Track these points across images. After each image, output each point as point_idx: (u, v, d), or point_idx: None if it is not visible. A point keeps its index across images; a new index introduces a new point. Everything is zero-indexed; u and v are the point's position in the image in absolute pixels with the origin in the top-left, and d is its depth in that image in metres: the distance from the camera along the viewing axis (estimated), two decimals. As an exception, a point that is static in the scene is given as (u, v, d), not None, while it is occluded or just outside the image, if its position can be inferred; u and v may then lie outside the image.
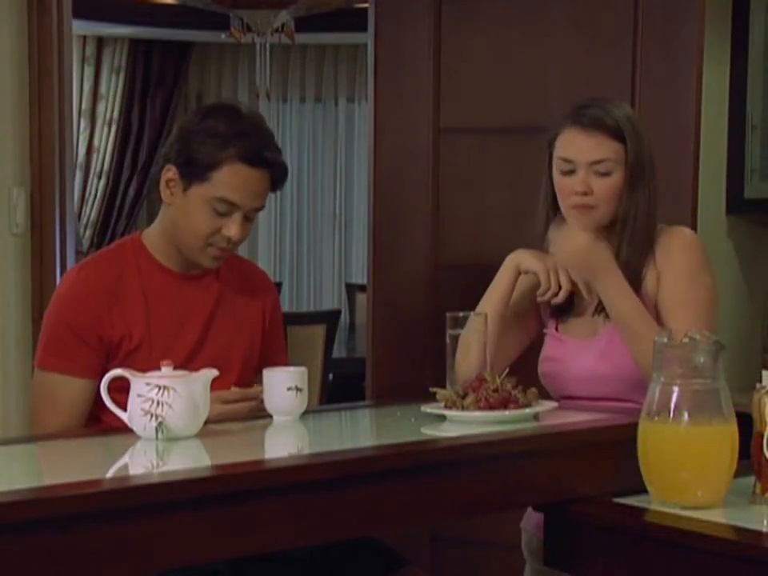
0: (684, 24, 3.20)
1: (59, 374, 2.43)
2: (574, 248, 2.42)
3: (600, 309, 2.46)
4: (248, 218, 2.44)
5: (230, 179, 2.38)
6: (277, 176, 2.44)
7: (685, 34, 3.20)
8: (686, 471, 2.02)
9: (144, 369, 2.13)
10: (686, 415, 1.99)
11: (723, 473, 2.03)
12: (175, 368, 2.11)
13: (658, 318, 2.41)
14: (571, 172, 2.41)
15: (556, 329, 2.54)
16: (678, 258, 2.44)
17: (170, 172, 2.43)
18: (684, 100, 3.20)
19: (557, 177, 2.45)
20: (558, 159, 2.44)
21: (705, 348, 2.02)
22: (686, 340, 2.04)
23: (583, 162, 2.40)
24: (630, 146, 2.40)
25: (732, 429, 2.02)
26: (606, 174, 2.40)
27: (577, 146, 2.41)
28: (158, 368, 2.09)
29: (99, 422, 2.42)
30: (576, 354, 2.48)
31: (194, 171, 2.40)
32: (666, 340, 2.05)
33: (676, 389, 2.00)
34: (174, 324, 2.47)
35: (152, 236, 2.53)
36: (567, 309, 2.51)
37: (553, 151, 2.46)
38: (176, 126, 2.51)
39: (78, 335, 2.42)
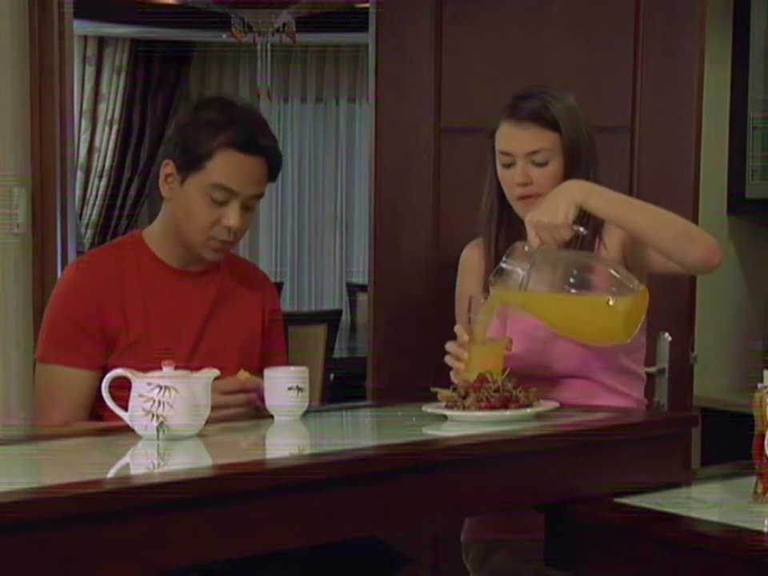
0: (685, 24, 3.19)
1: (61, 366, 2.43)
2: (547, 198, 2.37)
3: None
4: (247, 208, 2.44)
5: (224, 165, 2.39)
6: (272, 162, 2.44)
7: (685, 34, 3.19)
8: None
9: (143, 364, 2.13)
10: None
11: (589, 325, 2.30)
12: (174, 364, 2.11)
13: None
14: (512, 164, 2.48)
15: None
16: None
17: (168, 167, 2.45)
18: (684, 100, 3.20)
19: (499, 169, 2.52)
20: (498, 153, 2.51)
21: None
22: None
23: (520, 154, 2.47)
24: (565, 135, 2.46)
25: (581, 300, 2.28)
26: (543, 164, 2.47)
27: (514, 139, 2.48)
28: (157, 364, 2.08)
29: (100, 420, 2.41)
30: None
31: (189, 162, 2.41)
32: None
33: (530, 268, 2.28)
34: (173, 320, 2.48)
35: (153, 233, 2.54)
36: None
37: (494, 144, 2.52)
38: (173, 121, 2.52)
39: (81, 327, 2.42)
